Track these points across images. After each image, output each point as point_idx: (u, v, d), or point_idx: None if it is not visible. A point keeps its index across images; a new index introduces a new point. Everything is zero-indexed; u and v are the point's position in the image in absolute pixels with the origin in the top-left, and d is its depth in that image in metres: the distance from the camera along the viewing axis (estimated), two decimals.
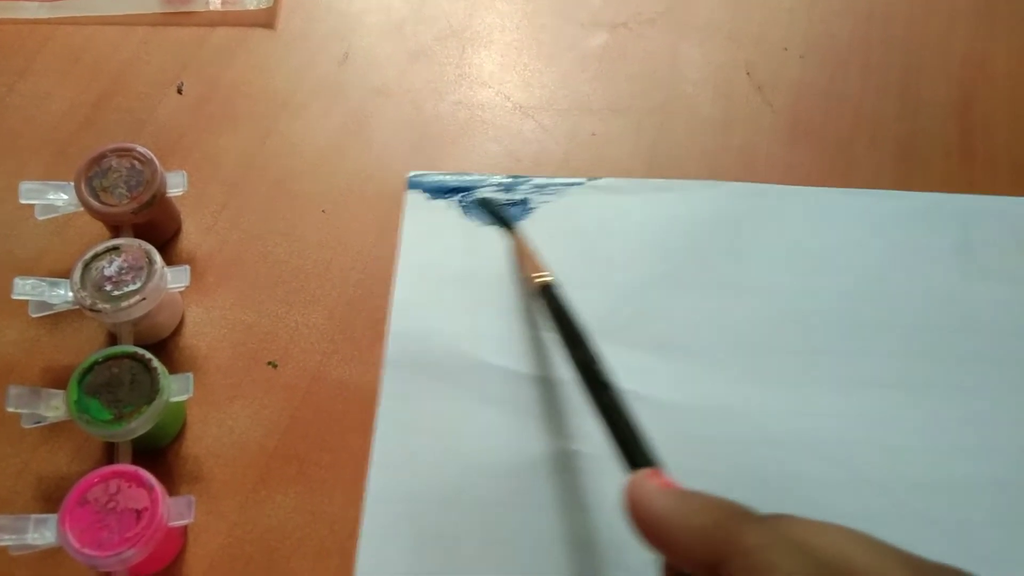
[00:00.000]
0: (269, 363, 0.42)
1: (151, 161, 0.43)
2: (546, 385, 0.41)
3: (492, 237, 0.45)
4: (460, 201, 0.46)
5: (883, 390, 0.41)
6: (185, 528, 0.38)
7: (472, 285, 0.44)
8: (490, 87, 0.51)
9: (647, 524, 0.26)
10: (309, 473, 0.40)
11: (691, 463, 0.38)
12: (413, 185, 0.47)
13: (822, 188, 0.47)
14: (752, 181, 0.47)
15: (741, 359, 0.42)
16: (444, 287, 0.44)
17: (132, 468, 0.35)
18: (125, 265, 0.40)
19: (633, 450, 0.30)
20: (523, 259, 0.43)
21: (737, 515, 0.24)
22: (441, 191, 0.47)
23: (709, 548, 0.23)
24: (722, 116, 0.49)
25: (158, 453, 0.40)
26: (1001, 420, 0.40)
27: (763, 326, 0.43)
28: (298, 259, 0.45)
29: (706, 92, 0.50)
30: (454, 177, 0.47)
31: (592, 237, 0.45)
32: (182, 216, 0.46)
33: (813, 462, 0.39)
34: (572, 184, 0.47)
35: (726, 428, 0.40)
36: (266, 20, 0.53)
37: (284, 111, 0.50)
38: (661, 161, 0.48)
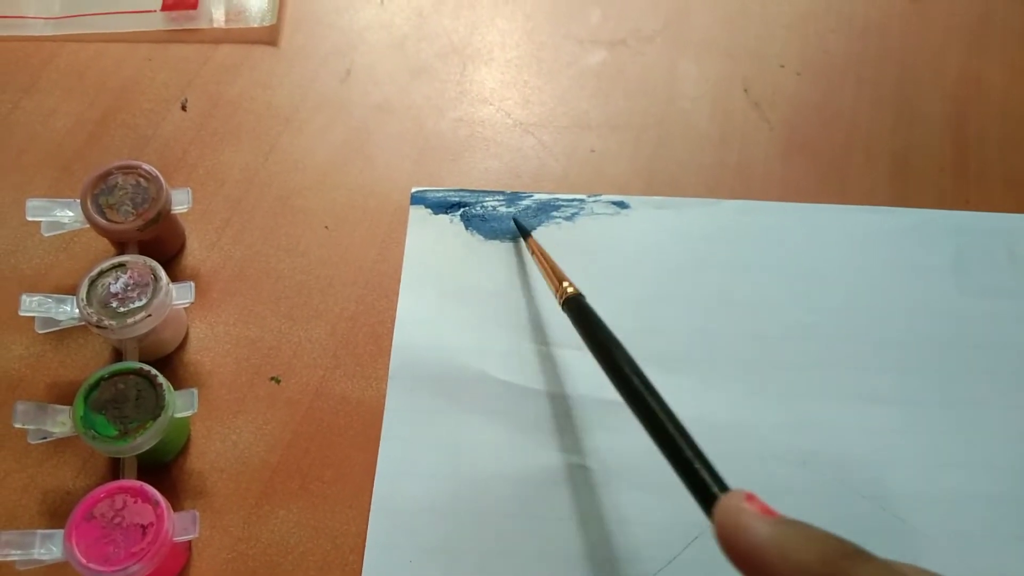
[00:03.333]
0: (272, 378, 0.43)
1: (156, 178, 0.43)
2: (549, 399, 0.42)
3: (494, 251, 0.46)
4: (462, 216, 0.47)
5: (879, 405, 0.42)
6: (190, 543, 0.39)
7: (475, 299, 0.45)
8: (491, 104, 0.51)
9: (744, 553, 0.24)
10: (312, 488, 0.40)
11: None
12: (416, 200, 0.48)
13: (818, 204, 0.47)
14: (749, 197, 0.48)
15: (739, 375, 0.42)
16: (447, 301, 0.45)
17: (138, 483, 0.36)
18: (131, 282, 0.40)
19: (706, 473, 0.28)
20: (546, 270, 0.42)
21: (848, 553, 0.22)
22: (443, 206, 0.47)
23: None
24: (719, 132, 0.50)
25: (163, 468, 0.40)
26: (996, 434, 0.41)
27: (760, 342, 0.43)
28: (301, 275, 0.46)
29: (704, 108, 0.51)
30: (456, 193, 0.48)
31: (591, 253, 0.46)
32: (186, 232, 0.47)
33: (810, 477, 0.40)
34: (573, 200, 0.47)
35: (723, 443, 0.40)
36: (269, 37, 0.54)
37: (287, 127, 0.50)
38: (659, 177, 0.48)
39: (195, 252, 0.46)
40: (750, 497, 0.25)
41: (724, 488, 0.27)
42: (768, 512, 0.25)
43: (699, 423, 0.40)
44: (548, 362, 0.43)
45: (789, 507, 0.39)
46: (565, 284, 0.40)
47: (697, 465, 0.28)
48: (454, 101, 0.52)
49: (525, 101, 0.52)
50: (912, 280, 0.45)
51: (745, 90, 0.52)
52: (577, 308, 0.38)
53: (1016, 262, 0.46)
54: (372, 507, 0.39)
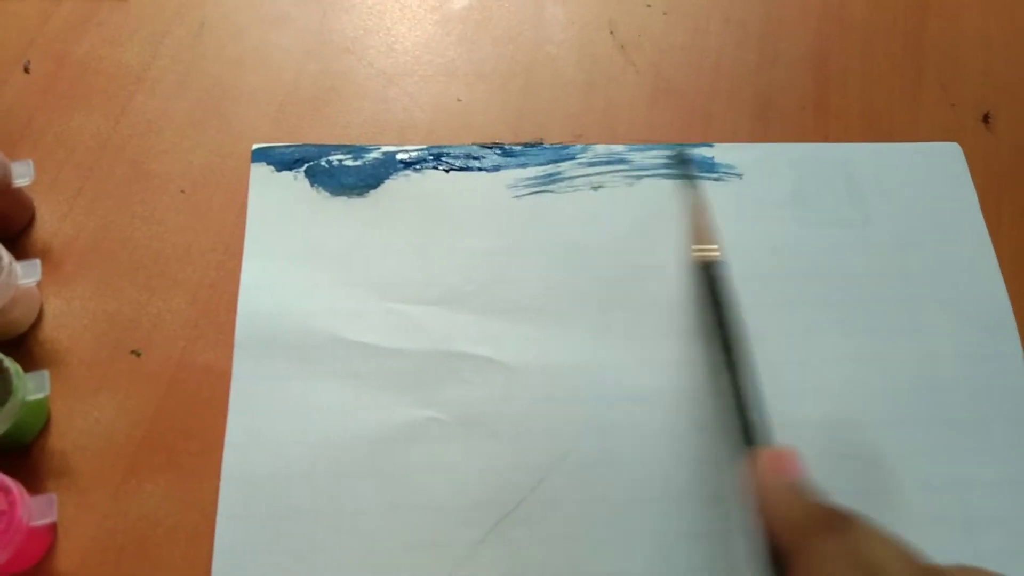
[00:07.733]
0: (132, 352, 0.42)
1: None
2: (401, 357, 0.42)
3: (341, 208, 0.45)
4: (307, 172, 0.46)
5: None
6: (54, 524, 0.38)
7: (323, 259, 0.44)
8: (352, 53, 0.50)
9: (759, 498, 0.32)
10: (178, 460, 0.40)
11: (540, 421, 0.40)
12: (258, 158, 0.46)
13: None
14: (615, 142, 0.47)
15: (584, 319, 0.43)
16: (294, 263, 0.43)
17: None
18: None
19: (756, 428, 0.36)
20: (696, 227, 0.43)
21: (819, 523, 0.30)
22: (286, 163, 0.46)
23: (792, 537, 0.30)
24: (586, 78, 0.50)
25: (22, 450, 0.40)
26: (836, 361, 0.42)
27: (606, 286, 0.43)
28: (158, 243, 0.44)
29: (570, 53, 0.50)
30: (300, 148, 0.46)
31: (441, 206, 0.45)
32: (35, 203, 0.45)
33: (656, 413, 0.41)
34: (419, 151, 0.47)
35: (572, 385, 0.41)
36: None
37: (139, 87, 0.48)
38: (527, 126, 0.48)
39: (46, 225, 0.45)
40: (778, 455, 0.33)
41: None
42: (783, 472, 0.32)
43: (547, 368, 0.41)
44: (399, 319, 0.42)
45: (635, 445, 0.40)
46: (699, 248, 0.42)
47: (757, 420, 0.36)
48: (314, 52, 0.50)
49: (389, 49, 0.50)
50: (753, 215, 0.46)
51: (611, 32, 0.51)
52: (707, 276, 0.41)
53: (853, 191, 0.47)
54: (222, 478, 0.39)
